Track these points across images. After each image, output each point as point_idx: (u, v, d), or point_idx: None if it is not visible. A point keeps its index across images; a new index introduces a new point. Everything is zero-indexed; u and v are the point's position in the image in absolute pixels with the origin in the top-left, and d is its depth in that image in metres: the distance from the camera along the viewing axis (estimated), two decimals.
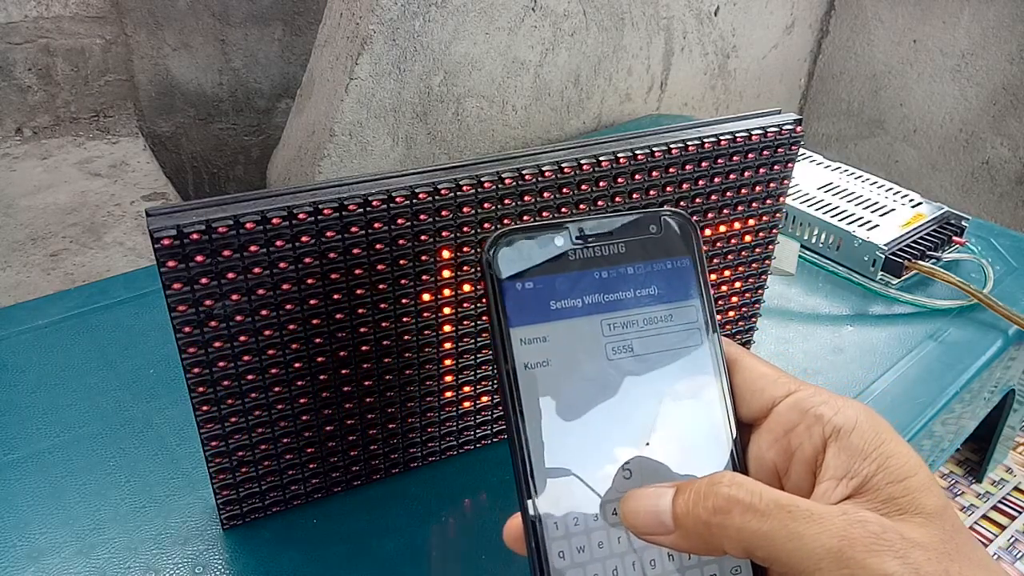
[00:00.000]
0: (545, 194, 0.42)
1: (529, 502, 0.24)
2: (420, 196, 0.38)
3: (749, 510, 0.22)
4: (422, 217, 0.39)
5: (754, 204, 0.50)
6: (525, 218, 0.42)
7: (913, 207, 0.77)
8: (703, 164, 0.46)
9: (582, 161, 0.42)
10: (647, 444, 0.25)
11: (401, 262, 0.40)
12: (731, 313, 0.55)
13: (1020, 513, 1.10)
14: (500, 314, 0.25)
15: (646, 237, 0.27)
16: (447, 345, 0.44)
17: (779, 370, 0.27)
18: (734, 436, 0.26)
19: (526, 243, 0.26)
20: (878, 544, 0.21)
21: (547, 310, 0.26)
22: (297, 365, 0.40)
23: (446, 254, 0.41)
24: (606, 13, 1.02)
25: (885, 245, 0.70)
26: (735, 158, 0.47)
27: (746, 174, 0.48)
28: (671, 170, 0.45)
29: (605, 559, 0.24)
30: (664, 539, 0.23)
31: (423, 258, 0.40)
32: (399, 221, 0.38)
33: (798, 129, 0.48)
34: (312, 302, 0.38)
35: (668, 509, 0.23)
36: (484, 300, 0.41)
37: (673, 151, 0.44)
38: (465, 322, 0.43)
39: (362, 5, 0.80)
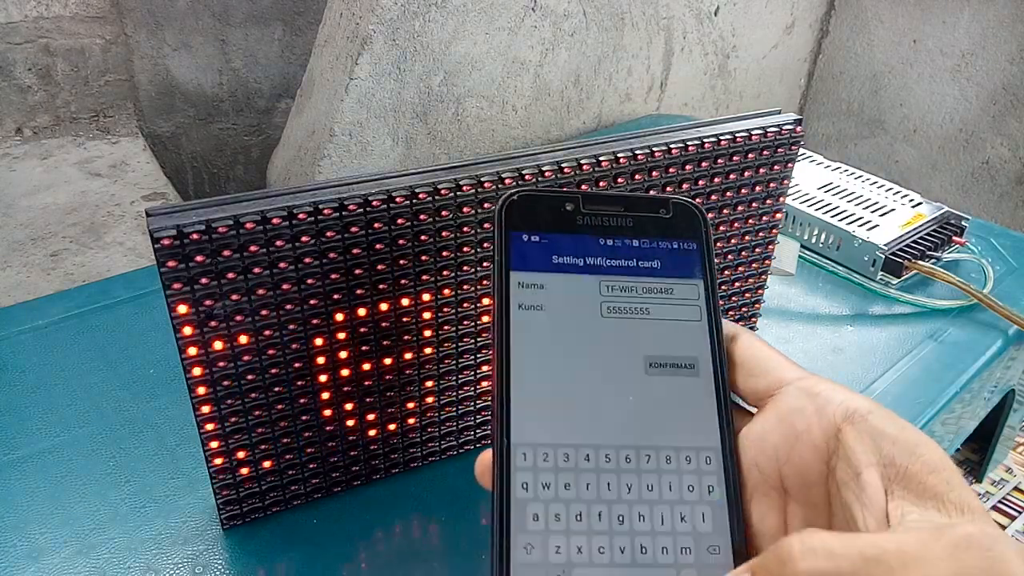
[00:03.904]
0: None
1: (501, 429, 0.25)
2: (420, 196, 0.38)
3: None
4: (422, 217, 0.39)
5: (754, 204, 0.50)
6: None
7: (913, 207, 0.77)
8: (703, 164, 0.46)
9: (582, 161, 0.42)
10: (630, 398, 0.26)
11: (401, 262, 0.40)
12: (731, 313, 0.55)
13: (1020, 513, 1.10)
14: (503, 256, 0.27)
15: (655, 216, 0.28)
16: (447, 345, 0.44)
17: (787, 357, 0.27)
18: (724, 412, 0.26)
19: (539, 202, 0.28)
20: (993, 563, 0.19)
21: (548, 262, 0.27)
22: (297, 365, 0.40)
23: (446, 254, 0.41)
24: (606, 13, 1.02)
25: (885, 245, 0.70)
26: (735, 158, 0.47)
27: (746, 174, 0.48)
28: (671, 170, 0.45)
29: (570, 502, 0.24)
30: None
31: (423, 258, 0.40)
32: (399, 221, 0.38)
33: (798, 129, 0.48)
34: (312, 302, 0.38)
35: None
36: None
37: (673, 151, 0.44)
38: (465, 322, 0.43)
39: (362, 5, 0.80)
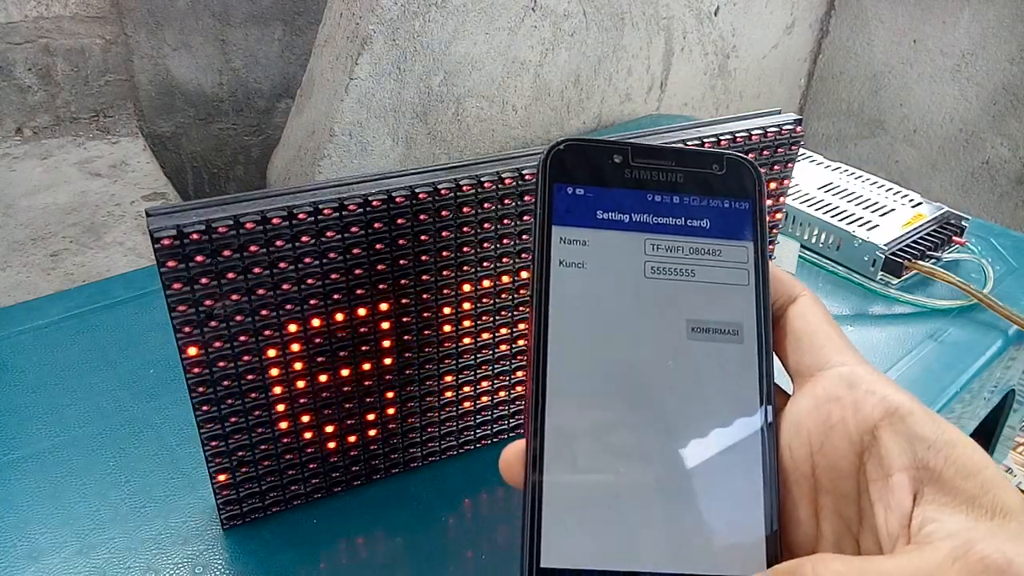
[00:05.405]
0: None
1: (538, 385, 0.24)
2: (420, 196, 0.38)
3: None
4: (422, 217, 0.39)
5: None
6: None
7: (913, 207, 0.77)
8: None
9: None
10: (669, 363, 0.25)
11: (401, 262, 0.40)
12: None
13: None
14: (545, 211, 0.25)
15: (707, 172, 0.27)
16: (447, 345, 0.44)
17: (839, 333, 0.26)
18: (766, 382, 0.25)
19: (585, 153, 0.26)
20: None
21: (592, 217, 0.26)
22: (297, 365, 0.40)
23: (446, 254, 0.41)
24: (606, 13, 1.02)
25: (885, 245, 0.70)
26: None
27: None
28: None
29: (600, 454, 0.23)
30: None
31: (423, 258, 0.40)
32: (399, 221, 0.38)
33: (798, 129, 0.48)
34: (312, 302, 0.38)
35: None
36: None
37: None
38: (465, 322, 0.43)
39: (362, 5, 0.80)
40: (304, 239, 0.36)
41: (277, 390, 0.40)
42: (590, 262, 0.25)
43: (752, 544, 0.23)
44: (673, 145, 0.29)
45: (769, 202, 0.51)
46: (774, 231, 0.53)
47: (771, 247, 0.55)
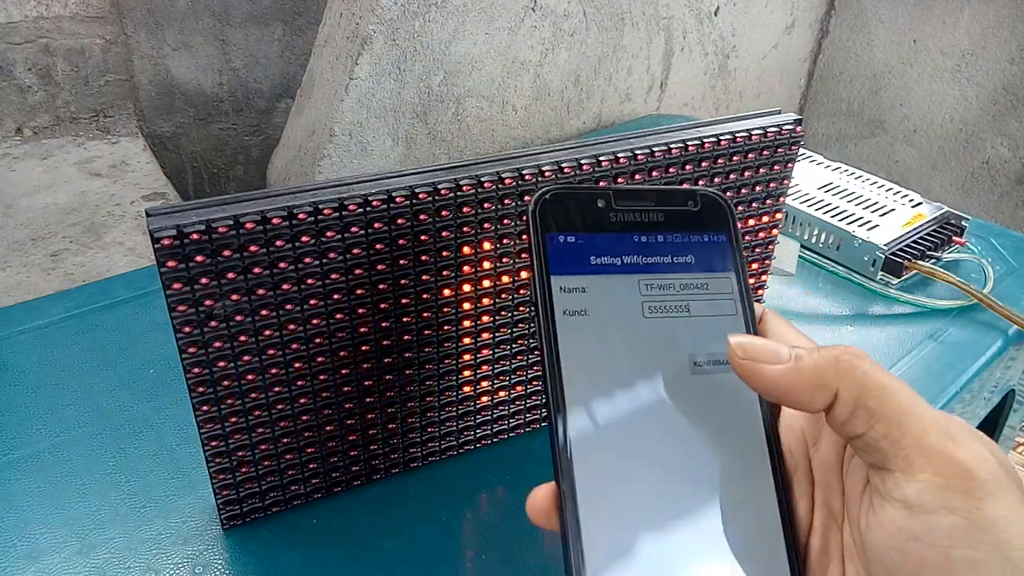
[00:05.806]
0: None
1: (561, 441, 0.24)
2: (420, 196, 0.38)
3: (876, 366, 0.22)
4: (422, 217, 0.39)
5: (754, 204, 0.50)
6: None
7: (913, 207, 0.77)
8: (703, 164, 0.46)
9: (582, 161, 0.42)
10: (680, 399, 0.26)
11: (401, 262, 0.40)
12: None
13: None
14: (542, 262, 0.26)
15: (684, 210, 0.28)
16: (447, 345, 0.44)
17: (808, 338, 0.27)
18: (764, 405, 0.26)
19: (570, 201, 0.27)
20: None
21: (587, 264, 0.27)
22: (297, 365, 0.40)
23: (446, 254, 0.41)
24: (606, 13, 1.02)
25: (885, 245, 0.70)
26: (735, 158, 0.47)
27: (746, 174, 0.48)
28: (671, 170, 0.45)
29: (630, 497, 0.24)
30: (772, 369, 0.23)
31: (423, 258, 0.40)
32: (399, 221, 0.38)
33: (798, 129, 0.48)
34: (312, 302, 0.38)
35: (786, 349, 0.23)
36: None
37: (673, 151, 0.44)
38: (465, 322, 0.43)
39: (362, 5, 0.80)
40: (304, 239, 0.36)
41: (277, 390, 0.40)
42: (592, 308, 0.26)
43: (775, 555, 0.24)
44: (649, 186, 0.30)
45: (769, 202, 0.51)
46: (774, 231, 0.53)
47: (769, 256, 0.55)
